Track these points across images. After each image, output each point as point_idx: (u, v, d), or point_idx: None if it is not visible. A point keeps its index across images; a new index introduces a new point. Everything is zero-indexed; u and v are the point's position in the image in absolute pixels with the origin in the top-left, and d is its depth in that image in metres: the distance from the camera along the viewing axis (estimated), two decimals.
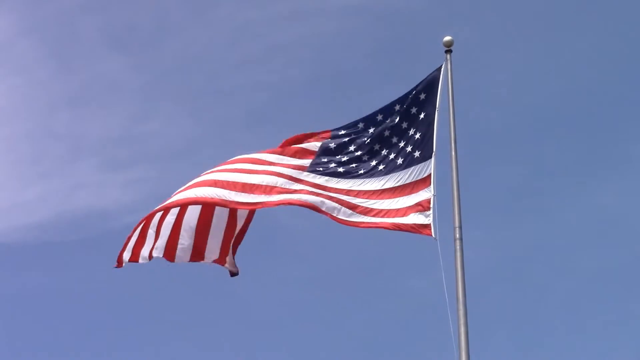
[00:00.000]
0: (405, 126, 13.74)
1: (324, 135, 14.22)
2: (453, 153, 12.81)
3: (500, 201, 30.36)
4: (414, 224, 12.64)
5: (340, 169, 13.64)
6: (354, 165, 13.74)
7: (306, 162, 13.86)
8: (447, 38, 13.83)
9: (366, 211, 13.04)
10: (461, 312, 11.45)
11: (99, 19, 33.66)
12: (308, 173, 13.65)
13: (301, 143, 14.13)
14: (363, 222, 12.99)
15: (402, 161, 13.45)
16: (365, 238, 26.71)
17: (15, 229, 30.39)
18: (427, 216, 12.66)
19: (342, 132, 14.20)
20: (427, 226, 12.56)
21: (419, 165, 13.20)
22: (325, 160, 13.85)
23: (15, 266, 30.50)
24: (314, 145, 14.10)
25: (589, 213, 30.02)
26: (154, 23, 33.95)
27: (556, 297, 27.96)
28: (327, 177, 13.56)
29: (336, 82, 32.53)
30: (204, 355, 27.52)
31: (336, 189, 13.36)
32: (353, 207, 13.08)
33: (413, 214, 12.75)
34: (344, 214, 13.00)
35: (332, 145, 14.02)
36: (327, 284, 29.08)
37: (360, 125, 14.12)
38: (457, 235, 12.06)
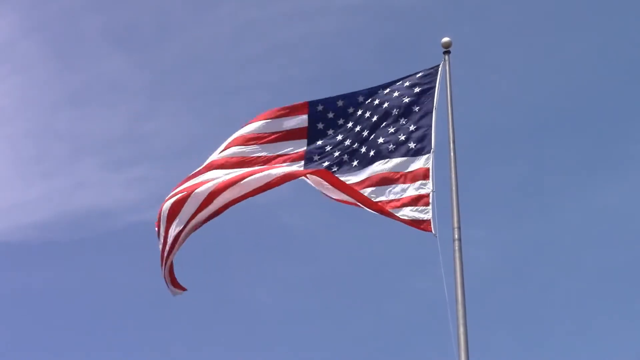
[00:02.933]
0: (396, 113, 13.63)
1: (301, 109, 14.07)
2: (452, 153, 12.79)
3: (501, 201, 30.41)
4: (412, 219, 12.63)
5: (334, 168, 13.55)
6: (345, 157, 13.66)
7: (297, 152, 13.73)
8: (446, 39, 13.86)
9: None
10: (461, 312, 11.45)
11: (101, 18, 33.75)
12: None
13: (279, 119, 13.90)
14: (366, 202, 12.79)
15: (394, 147, 13.37)
16: (366, 238, 26.78)
17: (17, 229, 30.46)
18: (425, 212, 12.63)
19: (320, 107, 14.06)
20: (426, 222, 12.52)
21: (416, 157, 13.14)
22: (317, 157, 13.76)
23: (16, 265, 30.61)
24: (295, 122, 13.94)
25: (590, 213, 30.08)
26: (155, 22, 34.03)
27: (557, 296, 28.00)
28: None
29: (338, 82, 32.54)
30: (206, 355, 27.58)
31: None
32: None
33: (410, 207, 12.73)
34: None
35: (319, 133, 13.90)
36: (328, 284, 29.14)
37: (340, 102, 14.06)
38: (456, 236, 12.04)
